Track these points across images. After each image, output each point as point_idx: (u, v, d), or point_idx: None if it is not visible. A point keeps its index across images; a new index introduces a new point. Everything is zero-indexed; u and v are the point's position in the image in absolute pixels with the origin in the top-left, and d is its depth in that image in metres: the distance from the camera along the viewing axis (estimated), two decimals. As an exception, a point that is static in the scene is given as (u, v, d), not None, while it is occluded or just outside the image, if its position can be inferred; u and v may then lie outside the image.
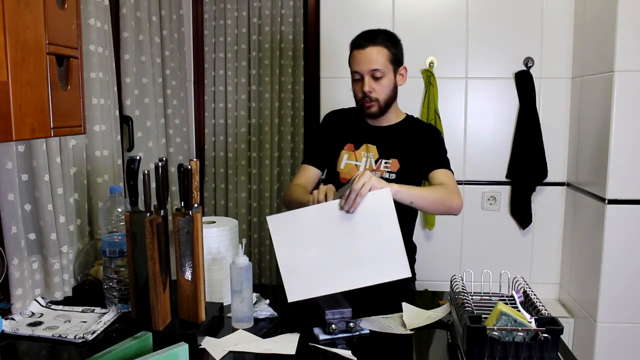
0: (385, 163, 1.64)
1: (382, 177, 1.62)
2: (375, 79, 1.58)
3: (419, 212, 2.47)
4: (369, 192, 1.29)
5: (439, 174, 1.60)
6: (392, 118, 1.69)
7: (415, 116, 1.75)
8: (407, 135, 1.67)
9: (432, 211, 1.54)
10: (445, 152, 1.69)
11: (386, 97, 1.61)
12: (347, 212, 1.30)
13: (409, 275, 1.29)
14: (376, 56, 1.56)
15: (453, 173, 1.64)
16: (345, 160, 1.68)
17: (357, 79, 1.61)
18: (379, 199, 1.30)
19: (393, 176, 1.62)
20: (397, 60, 1.61)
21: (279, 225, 1.33)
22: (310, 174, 1.72)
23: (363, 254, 1.30)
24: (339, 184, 1.65)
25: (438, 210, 1.54)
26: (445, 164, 1.63)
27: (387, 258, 1.30)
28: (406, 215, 1.68)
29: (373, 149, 1.66)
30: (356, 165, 1.66)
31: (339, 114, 1.79)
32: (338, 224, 1.31)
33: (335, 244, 1.30)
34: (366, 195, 1.29)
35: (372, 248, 1.30)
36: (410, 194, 1.41)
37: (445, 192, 1.52)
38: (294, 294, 1.29)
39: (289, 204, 1.66)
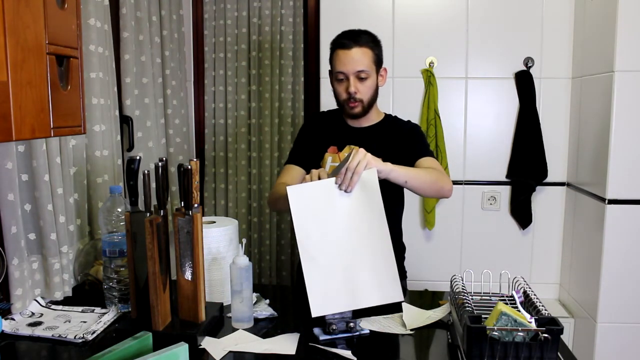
0: None
1: None
2: (360, 79, 1.57)
3: (416, 212, 2.49)
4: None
5: (424, 161, 1.59)
6: (373, 118, 1.69)
7: (393, 115, 1.75)
8: (389, 134, 1.67)
9: (425, 192, 1.52)
10: (428, 144, 1.70)
11: (369, 98, 1.61)
12: (345, 191, 1.27)
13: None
14: (361, 57, 1.56)
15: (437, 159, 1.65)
16: (329, 163, 1.67)
17: (340, 79, 1.59)
18: (365, 180, 1.28)
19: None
20: (379, 61, 1.62)
21: (298, 197, 1.29)
22: (295, 172, 1.70)
23: (356, 237, 1.29)
24: None
25: (431, 191, 1.52)
26: (428, 153, 1.64)
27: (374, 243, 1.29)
28: (393, 210, 1.69)
29: (356, 150, 1.66)
30: None
31: (321, 117, 1.79)
32: (335, 202, 1.28)
33: (340, 226, 1.28)
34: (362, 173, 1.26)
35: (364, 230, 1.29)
36: (404, 173, 1.40)
37: (437, 174, 1.52)
38: (317, 310, 1.25)
39: (275, 200, 1.63)
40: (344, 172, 1.27)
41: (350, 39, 1.57)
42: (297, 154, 1.73)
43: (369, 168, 1.28)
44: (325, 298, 1.24)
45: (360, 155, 1.28)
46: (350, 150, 1.41)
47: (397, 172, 1.37)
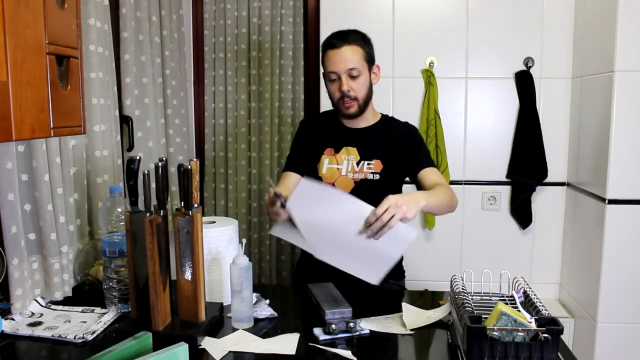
0: (368, 164, 1.64)
1: (366, 179, 1.63)
2: (352, 77, 1.57)
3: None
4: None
5: (430, 174, 1.60)
6: (369, 119, 1.69)
7: (390, 115, 1.75)
8: (386, 135, 1.67)
9: (439, 213, 1.57)
10: (427, 149, 1.72)
11: (364, 96, 1.61)
12: (371, 237, 1.29)
13: (375, 283, 1.31)
14: (352, 55, 1.56)
15: (437, 166, 1.65)
16: (326, 165, 1.67)
17: (333, 80, 1.60)
18: (400, 233, 1.28)
19: (377, 177, 1.62)
20: (370, 58, 1.62)
21: (306, 192, 1.33)
22: (292, 180, 1.69)
23: (360, 250, 1.31)
24: None
25: (444, 211, 1.56)
26: (430, 162, 1.65)
27: (373, 262, 1.31)
28: None
29: (353, 151, 1.66)
30: (338, 168, 1.66)
31: (316, 120, 1.79)
32: (354, 222, 1.30)
33: (342, 231, 1.31)
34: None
35: (369, 250, 1.30)
36: (434, 204, 1.43)
37: (449, 194, 1.53)
38: (278, 232, 1.35)
39: None
40: (374, 221, 1.26)
41: (339, 38, 1.58)
42: (293, 161, 1.73)
43: (405, 221, 1.27)
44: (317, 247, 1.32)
45: (392, 206, 1.25)
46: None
47: (430, 207, 1.40)
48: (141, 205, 1.36)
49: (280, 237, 1.39)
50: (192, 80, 2.65)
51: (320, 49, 1.64)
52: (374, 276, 1.31)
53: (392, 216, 1.25)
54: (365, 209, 1.29)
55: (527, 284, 1.25)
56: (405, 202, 1.28)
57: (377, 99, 1.70)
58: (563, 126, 2.42)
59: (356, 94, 1.59)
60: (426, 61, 2.42)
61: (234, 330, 1.31)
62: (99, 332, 1.29)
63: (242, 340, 1.25)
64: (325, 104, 2.43)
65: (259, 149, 2.66)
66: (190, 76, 2.63)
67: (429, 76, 2.39)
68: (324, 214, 1.31)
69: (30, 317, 1.38)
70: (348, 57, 1.55)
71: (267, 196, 1.40)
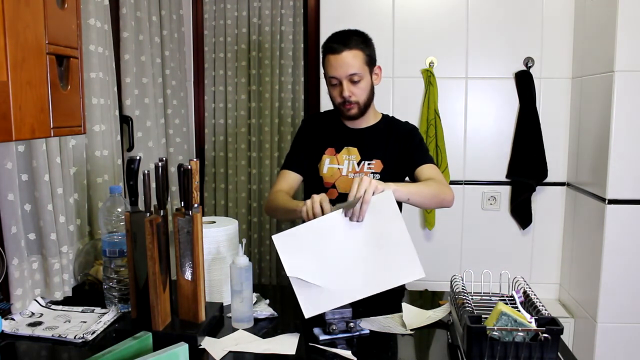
0: (368, 164, 1.64)
1: None
2: (354, 82, 1.56)
3: (416, 212, 2.49)
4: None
5: (426, 170, 1.59)
6: (370, 119, 1.69)
7: (390, 115, 1.75)
8: (387, 135, 1.67)
9: (427, 205, 1.53)
10: (426, 147, 1.71)
11: (365, 99, 1.61)
12: (357, 221, 1.28)
13: (423, 275, 1.27)
14: (352, 60, 1.54)
15: (437, 166, 1.63)
16: (327, 164, 1.67)
17: (334, 84, 1.59)
18: (381, 201, 1.29)
19: (377, 176, 1.62)
20: (371, 61, 1.60)
21: (286, 242, 1.29)
22: (291, 179, 1.69)
23: (374, 260, 1.28)
24: (322, 189, 1.65)
25: (432, 204, 1.54)
26: (428, 159, 1.64)
27: (398, 261, 1.28)
28: None
29: (354, 151, 1.66)
30: (338, 168, 1.66)
31: (318, 119, 1.79)
32: (345, 233, 1.29)
33: (344, 254, 1.28)
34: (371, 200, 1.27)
35: (383, 253, 1.28)
36: (407, 191, 1.40)
37: (438, 186, 1.52)
38: (310, 310, 1.26)
39: (273, 211, 1.64)
40: (352, 202, 1.27)
41: (339, 42, 1.55)
42: (293, 159, 1.73)
43: (378, 193, 1.28)
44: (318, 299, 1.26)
45: (365, 184, 1.27)
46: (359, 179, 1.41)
47: (400, 192, 1.36)
48: (141, 205, 1.36)
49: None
50: (192, 80, 2.65)
51: (321, 51, 1.63)
52: (414, 270, 1.28)
53: (365, 191, 1.26)
54: (339, 214, 1.29)
55: (527, 284, 1.25)
56: (372, 179, 1.30)
57: (377, 99, 1.70)
58: (563, 126, 2.42)
59: (357, 99, 1.59)
60: (426, 61, 2.42)
61: (234, 330, 1.31)
62: (99, 332, 1.29)
63: (242, 340, 1.25)
64: (325, 104, 2.43)
65: (259, 149, 2.66)
66: (190, 76, 2.63)
67: (429, 76, 2.39)
68: (320, 252, 1.28)
69: (30, 317, 1.38)
70: (349, 62, 1.54)
71: (313, 206, 1.34)
